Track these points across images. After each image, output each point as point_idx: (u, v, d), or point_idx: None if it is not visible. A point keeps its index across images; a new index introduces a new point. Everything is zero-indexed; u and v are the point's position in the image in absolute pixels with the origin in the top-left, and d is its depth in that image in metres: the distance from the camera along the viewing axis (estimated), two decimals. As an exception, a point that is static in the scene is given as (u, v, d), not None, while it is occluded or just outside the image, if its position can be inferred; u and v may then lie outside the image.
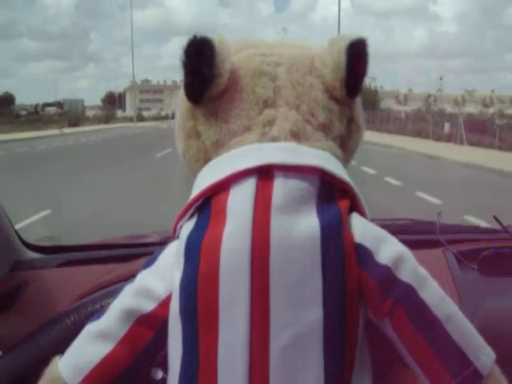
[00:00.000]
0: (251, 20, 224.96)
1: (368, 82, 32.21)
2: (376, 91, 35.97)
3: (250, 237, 0.57)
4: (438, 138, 20.86)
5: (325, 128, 0.65)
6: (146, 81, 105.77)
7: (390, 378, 0.86)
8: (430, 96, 29.42)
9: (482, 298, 1.02)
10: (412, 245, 1.16)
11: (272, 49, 0.68)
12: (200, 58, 0.60)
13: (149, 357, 0.64)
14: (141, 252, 0.92)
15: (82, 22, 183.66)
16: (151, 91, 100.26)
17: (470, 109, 30.00)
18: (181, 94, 0.68)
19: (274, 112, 0.64)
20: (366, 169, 9.72)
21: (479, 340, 0.60)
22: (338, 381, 0.57)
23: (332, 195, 0.61)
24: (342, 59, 0.62)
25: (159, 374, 0.77)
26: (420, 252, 1.18)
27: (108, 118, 45.89)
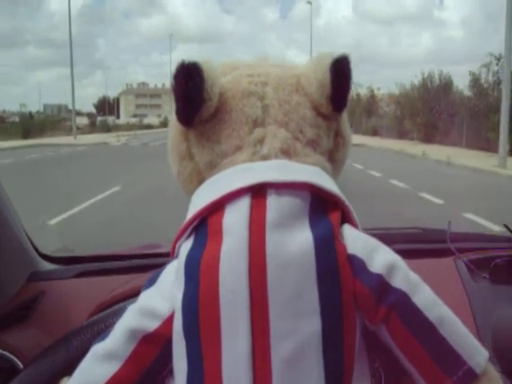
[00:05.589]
0: (256, 26, 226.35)
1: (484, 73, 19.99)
2: None
3: (247, 255, 0.61)
4: None
5: (313, 143, 0.70)
6: (143, 84, 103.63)
7: None
8: None
9: (493, 306, 1.06)
10: (423, 253, 1.24)
11: (258, 69, 0.73)
12: (189, 83, 0.64)
13: (157, 373, 0.68)
14: (157, 262, 0.96)
15: (87, 30, 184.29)
16: (148, 95, 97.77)
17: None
18: (173, 118, 0.72)
19: (264, 131, 0.68)
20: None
21: (472, 340, 0.65)
22: None
23: (323, 209, 0.65)
24: (327, 77, 0.67)
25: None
26: (431, 261, 1.26)
27: (27, 131, 29.47)
